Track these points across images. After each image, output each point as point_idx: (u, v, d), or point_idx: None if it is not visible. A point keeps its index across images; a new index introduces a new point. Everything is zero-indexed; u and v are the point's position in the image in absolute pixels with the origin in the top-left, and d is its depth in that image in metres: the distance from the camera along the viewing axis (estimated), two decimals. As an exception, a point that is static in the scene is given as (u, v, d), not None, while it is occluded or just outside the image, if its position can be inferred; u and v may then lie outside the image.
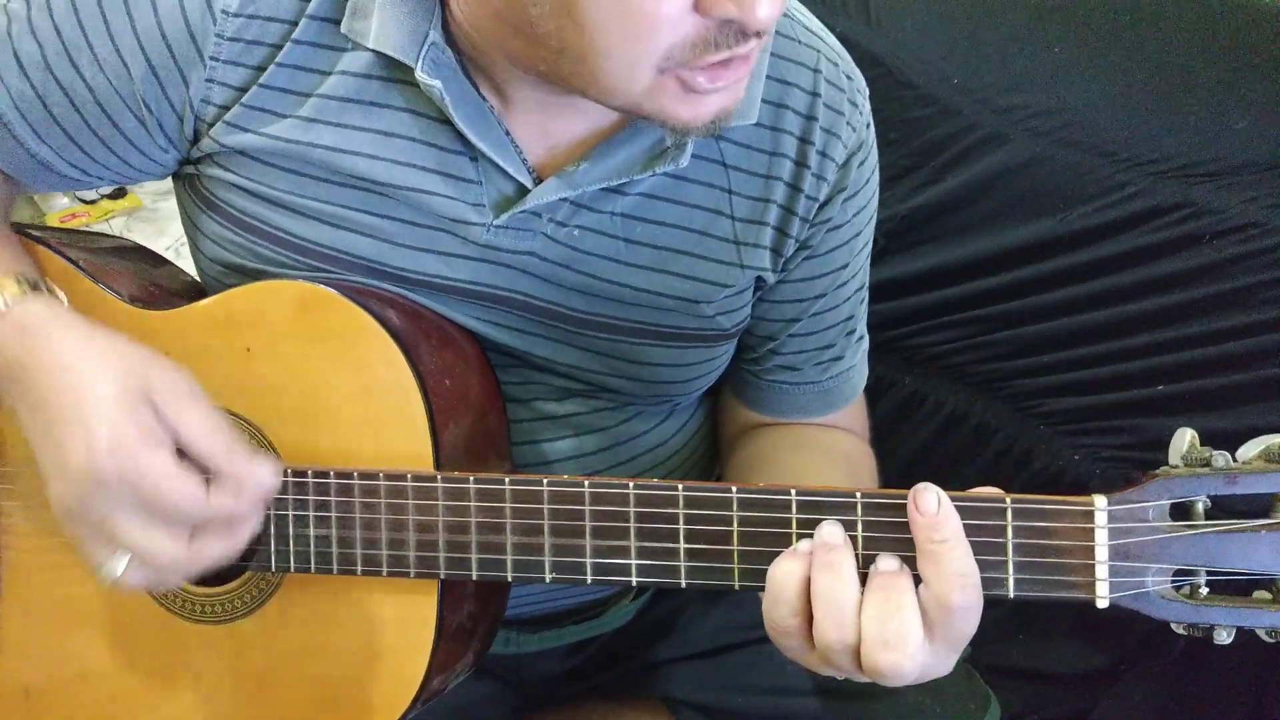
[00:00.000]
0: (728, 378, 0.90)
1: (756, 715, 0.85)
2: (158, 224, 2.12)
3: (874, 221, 0.82)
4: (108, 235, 0.88)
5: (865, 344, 0.88)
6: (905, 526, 0.59)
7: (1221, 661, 1.02)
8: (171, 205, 2.15)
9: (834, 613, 0.57)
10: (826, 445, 0.85)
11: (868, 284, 0.86)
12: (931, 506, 0.58)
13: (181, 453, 0.61)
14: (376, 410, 0.69)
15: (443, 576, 0.67)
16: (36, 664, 0.76)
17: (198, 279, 0.83)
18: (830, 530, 0.59)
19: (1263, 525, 0.56)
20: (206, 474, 0.62)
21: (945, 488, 0.86)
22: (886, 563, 0.59)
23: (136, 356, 0.63)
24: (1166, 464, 0.59)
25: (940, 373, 1.17)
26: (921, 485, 0.58)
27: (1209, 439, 0.99)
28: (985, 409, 1.15)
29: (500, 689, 0.92)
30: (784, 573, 0.59)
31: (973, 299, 1.11)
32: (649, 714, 0.90)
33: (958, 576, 0.56)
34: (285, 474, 0.67)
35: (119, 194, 2.17)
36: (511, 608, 0.80)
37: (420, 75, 0.66)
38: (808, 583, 0.58)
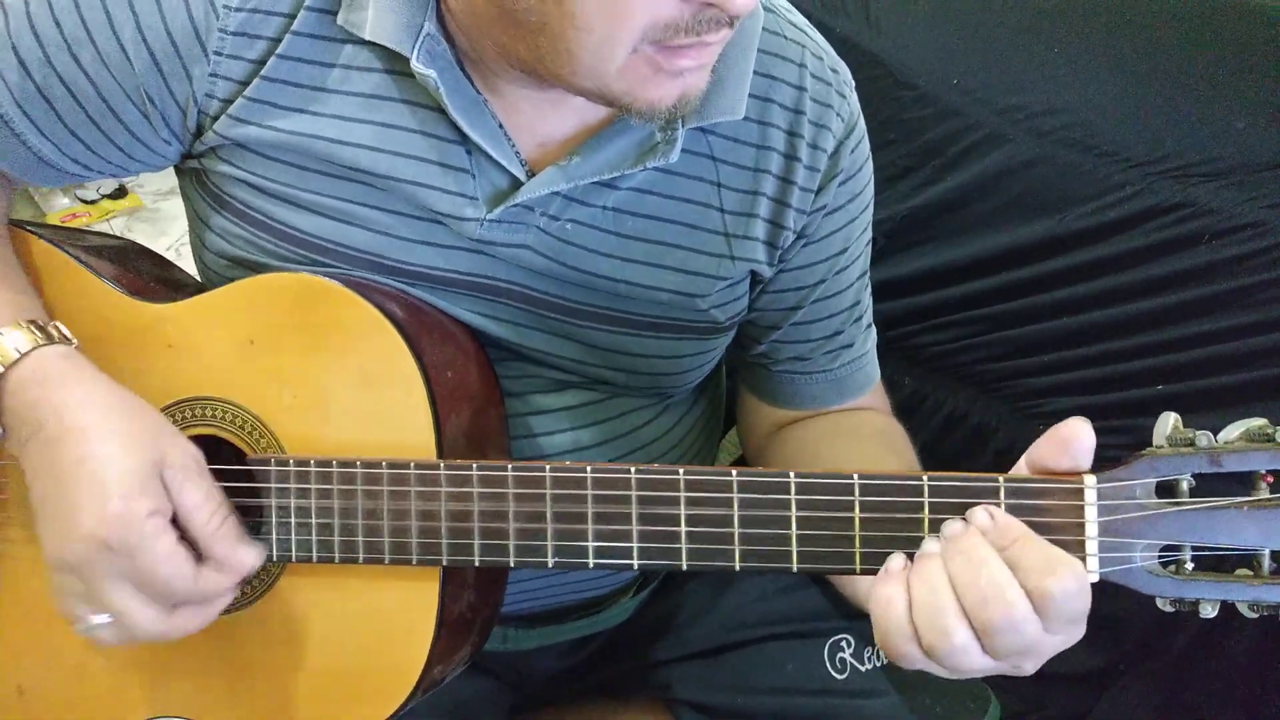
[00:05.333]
0: (744, 378, 0.91)
1: (757, 715, 0.85)
2: (158, 224, 2.12)
3: (870, 210, 0.83)
4: (109, 235, 0.88)
5: (874, 334, 0.89)
6: (901, 505, 0.61)
7: (1220, 662, 1.02)
8: (172, 205, 2.16)
9: (934, 618, 0.57)
10: (858, 428, 0.86)
11: (869, 272, 0.87)
12: (986, 520, 0.59)
13: (175, 521, 0.65)
14: (379, 401, 0.69)
15: (445, 563, 0.68)
16: (31, 661, 0.76)
17: (199, 279, 0.83)
18: (894, 558, 0.61)
19: (1245, 502, 0.58)
20: (196, 549, 0.65)
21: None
22: (952, 526, 0.60)
23: (153, 425, 0.66)
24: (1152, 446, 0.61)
25: (940, 373, 1.17)
26: (971, 510, 0.60)
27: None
28: (985, 409, 1.15)
29: (497, 687, 0.92)
30: (886, 599, 0.59)
31: (973, 299, 1.11)
32: (648, 714, 0.90)
33: (1043, 568, 0.56)
34: (288, 463, 0.69)
35: (120, 194, 2.17)
36: (510, 603, 0.81)
37: (415, 65, 0.67)
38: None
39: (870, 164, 0.82)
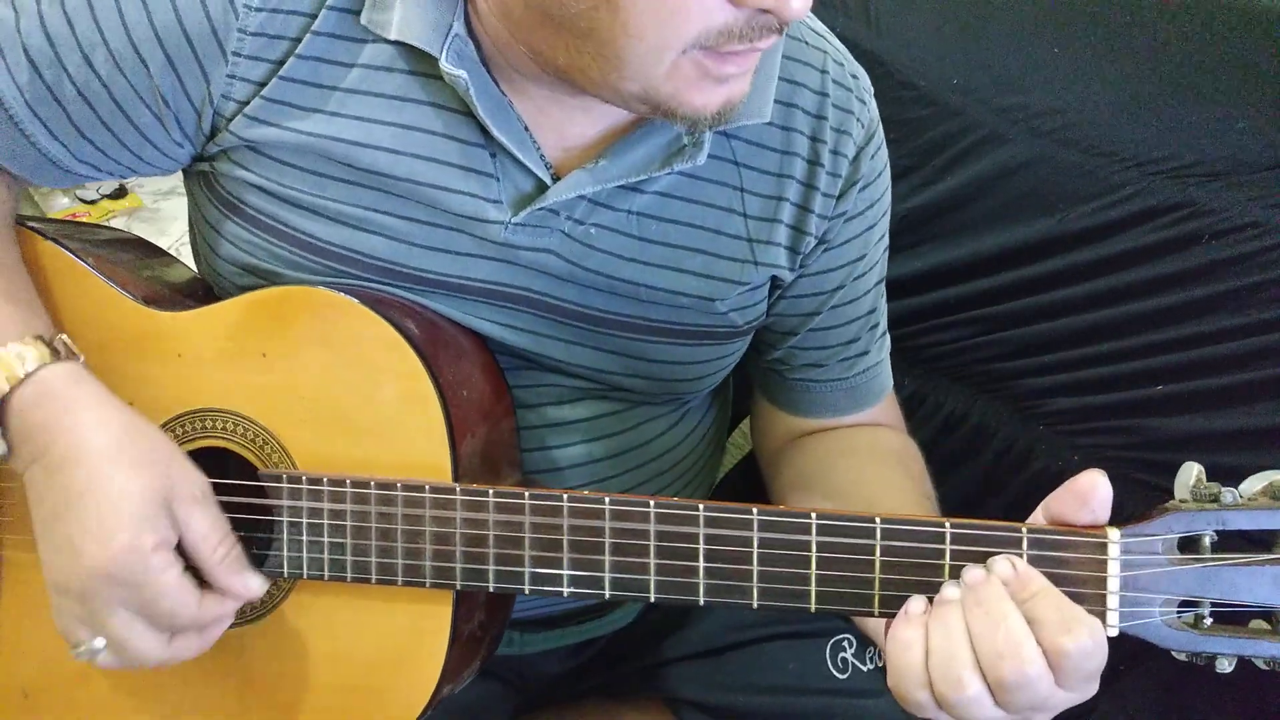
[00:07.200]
0: (760, 384, 0.91)
1: (758, 715, 0.85)
2: (158, 224, 2.12)
3: (888, 216, 0.83)
4: (106, 228, 0.88)
5: (888, 341, 0.89)
6: (923, 551, 0.60)
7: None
8: (172, 205, 2.16)
9: (949, 668, 0.57)
10: (873, 447, 0.86)
11: (885, 279, 0.87)
12: (1008, 570, 0.58)
13: (180, 549, 0.65)
14: (394, 419, 0.68)
15: (459, 588, 0.67)
16: (36, 665, 0.75)
17: (196, 273, 0.83)
18: (914, 600, 0.61)
19: (1266, 560, 0.58)
20: (200, 576, 0.65)
21: (945, 487, 0.86)
22: (973, 574, 0.59)
23: (161, 453, 0.65)
24: (1175, 497, 0.60)
25: (940, 373, 1.17)
26: (993, 559, 0.59)
27: (1209, 439, 0.99)
28: (985, 409, 1.15)
29: (501, 689, 0.92)
30: (904, 644, 0.59)
31: (973, 299, 1.11)
32: (650, 714, 0.90)
33: (1060, 626, 0.56)
34: (301, 480, 0.68)
35: (120, 194, 2.17)
36: (517, 610, 0.81)
37: (445, 65, 0.66)
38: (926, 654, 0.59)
39: (888, 171, 0.82)
